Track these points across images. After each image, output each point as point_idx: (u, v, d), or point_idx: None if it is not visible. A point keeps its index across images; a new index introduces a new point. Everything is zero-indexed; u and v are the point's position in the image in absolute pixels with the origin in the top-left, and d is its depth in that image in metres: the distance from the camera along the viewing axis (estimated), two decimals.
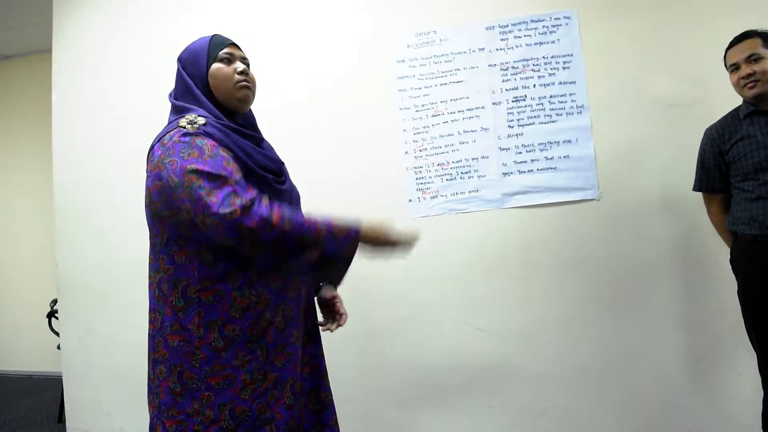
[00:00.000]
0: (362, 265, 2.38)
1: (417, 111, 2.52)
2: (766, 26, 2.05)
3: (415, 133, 2.51)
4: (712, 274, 2.36)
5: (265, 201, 1.25)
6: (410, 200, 2.49)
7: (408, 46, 2.56)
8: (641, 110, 2.45)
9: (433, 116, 2.51)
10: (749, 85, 1.96)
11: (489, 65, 2.52)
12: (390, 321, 2.50)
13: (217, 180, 1.23)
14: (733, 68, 2.02)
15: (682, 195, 2.35)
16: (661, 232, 2.43)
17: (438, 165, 2.49)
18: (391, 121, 2.51)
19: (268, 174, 1.40)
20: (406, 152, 2.50)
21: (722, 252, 2.20)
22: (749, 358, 2.11)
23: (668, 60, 2.46)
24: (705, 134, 2.17)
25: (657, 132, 2.44)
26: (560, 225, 2.44)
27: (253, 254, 1.26)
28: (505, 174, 2.47)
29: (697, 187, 2.21)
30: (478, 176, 2.47)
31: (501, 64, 2.51)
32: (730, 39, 2.06)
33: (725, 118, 2.13)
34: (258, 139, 1.47)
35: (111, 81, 2.86)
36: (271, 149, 1.55)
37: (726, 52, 2.07)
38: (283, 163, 1.53)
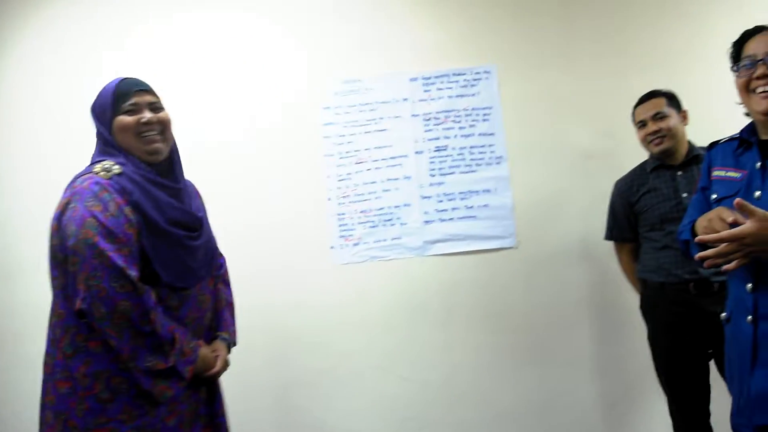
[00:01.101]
0: (280, 313, 2.48)
1: (341, 158, 2.63)
2: (675, 84, 2.29)
3: (338, 180, 2.62)
4: (626, 320, 2.53)
5: (153, 294, 1.31)
6: (332, 247, 2.58)
7: (335, 93, 2.69)
8: (557, 161, 2.65)
9: (356, 163, 2.63)
10: (655, 141, 2.16)
11: (412, 115, 2.67)
12: (310, 371, 2.55)
13: (114, 242, 1.27)
14: (641, 125, 2.22)
15: (595, 243, 2.52)
16: (576, 279, 2.60)
17: (361, 212, 2.60)
18: (314, 167, 2.61)
19: (179, 230, 1.42)
20: (329, 199, 2.60)
21: (634, 298, 2.37)
22: (661, 401, 2.27)
23: (582, 113, 2.68)
24: (615, 186, 2.35)
25: (571, 182, 2.64)
26: (480, 272, 2.58)
27: (108, 331, 1.28)
28: (427, 222, 2.60)
29: (608, 236, 2.38)
30: (401, 224, 2.59)
31: (424, 114, 2.67)
32: (640, 94, 2.27)
33: (633, 171, 2.32)
34: (176, 190, 1.48)
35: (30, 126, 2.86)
36: (193, 195, 1.57)
37: (634, 109, 2.28)
38: (201, 213, 1.55)
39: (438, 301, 2.56)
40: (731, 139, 1.48)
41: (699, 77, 2.48)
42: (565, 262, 2.61)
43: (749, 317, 1.31)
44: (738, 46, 1.41)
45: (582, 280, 2.61)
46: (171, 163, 1.50)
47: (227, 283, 1.71)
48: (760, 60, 1.32)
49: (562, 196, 2.64)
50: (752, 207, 1.17)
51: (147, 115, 1.42)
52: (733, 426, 1.40)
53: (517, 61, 2.70)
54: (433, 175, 2.63)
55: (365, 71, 2.69)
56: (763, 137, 1.38)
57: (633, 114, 2.28)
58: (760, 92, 1.32)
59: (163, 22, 2.65)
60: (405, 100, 2.68)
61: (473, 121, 2.68)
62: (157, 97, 1.49)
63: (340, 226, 2.59)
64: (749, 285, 1.31)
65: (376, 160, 2.64)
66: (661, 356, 2.19)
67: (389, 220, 2.59)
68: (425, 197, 2.62)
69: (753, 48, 1.35)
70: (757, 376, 1.29)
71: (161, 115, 1.47)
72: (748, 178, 1.35)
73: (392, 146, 2.65)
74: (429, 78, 2.69)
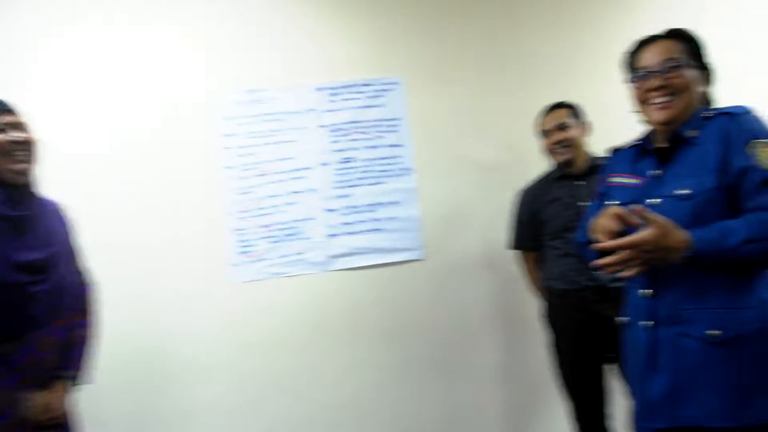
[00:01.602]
0: (174, 336, 2.37)
1: (243, 170, 2.57)
2: (574, 96, 2.36)
3: (239, 194, 2.55)
4: (529, 328, 2.58)
5: None
6: (233, 264, 2.49)
7: (237, 103, 2.62)
8: (462, 173, 2.68)
9: (259, 176, 2.57)
10: (560, 151, 2.23)
11: (318, 126, 2.63)
12: (208, 396, 2.44)
13: None
14: (545, 134, 2.29)
15: (501, 253, 2.55)
16: (482, 289, 2.64)
17: (263, 227, 2.53)
18: (213, 180, 2.53)
19: (23, 276, 1.36)
20: (230, 213, 2.53)
21: (536, 306, 2.43)
22: (563, 407, 2.31)
23: (485, 126, 2.73)
24: (519, 195, 2.41)
25: (477, 193, 2.68)
26: (387, 286, 2.56)
27: None
28: (332, 235, 2.55)
29: (512, 245, 2.43)
30: (304, 238, 2.54)
31: (330, 125, 2.64)
32: (539, 109, 2.32)
33: (538, 180, 2.38)
34: (24, 226, 1.42)
35: None
36: (50, 220, 1.50)
37: (539, 119, 2.34)
38: (52, 249, 1.47)
39: (343, 318, 2.53)
40: (631, 146, 1.51)
41: (597, 90, 2.55)
42: (471, 273, 2.64)
43: (647, 322, 1.34)
44: (632, 57, 1.45)
45: (488, 290, 2.65)
46: (27, 187, 1.47)
47: (86, 313, 1.64)
48: (654, 71, 1.35)
49: (467, 207, 2.67)
50: (649, 214, 1.18)
51: (15, 134, 1.41)
52: (635, 430, 1.42)
53: (425, 74, 2.72)
54: (339, 188, 2.60)
55: (269, 81, 2.64)
56: (660, 145, 1.41)
57: (538, 124, 2.34)
58: (656, 103, 1.36)
59: (52, 32, 2.49)
60: (311, 110, 2.64)
61: (380, 132, 2.67)
62: (21, 117, 1.47)
63: (241, 241, 2.52)
64: (647, 291, 1.34)
65: (279, 173, 2.58)
66: (563, 363, 2.23)
67: (292, 234, 2.54)
68: (330, 210, 2.58)
69: (647, 59, 1.38)
70: (656, 381, 1.32)
71: (28, 135, 1.45)
72: (644, 185, 1.39)
73: (297, 158, 2.60)
74: (335, 88, 2.67)
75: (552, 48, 2.80)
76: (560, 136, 2.22)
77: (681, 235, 1.17)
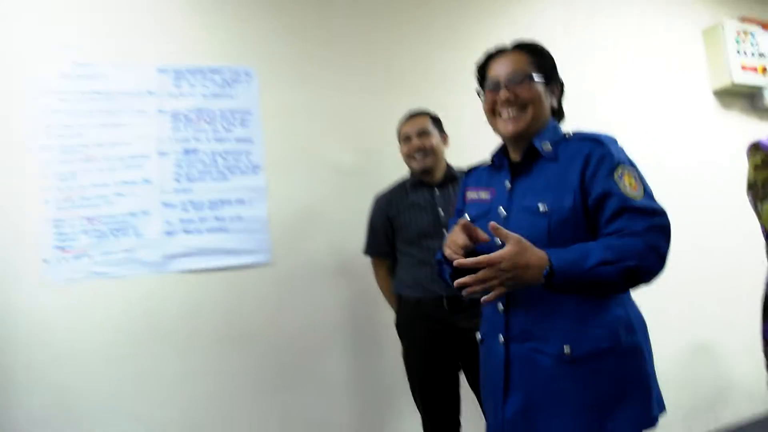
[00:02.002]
0: None
1: (64, 153, 2.25)
2: (435, 104, 2.39)
3: (59, 180, 2.23)
4: (382, 336, 2.56)
5: None
6: (45, 260, 2.17)
7: (62, 75, 2.30)
8: (315, 173, 2.60)
9: (84, 161, 2.27)
10: (419, 157, 2.23)
11: (158, 111, 2.40)
12: (20, 417, 2.08)
13: None
14: (405, 140, 2.28)
15: (353, 259, 2.51)
16: (332, 296, 2.57)
17: (86, 219, 2.24)
18: (25, 163, 2.18)
19: None
20: (47, 201, 2.20)
21: (390, 314, 2.40)
22: (415, 418, 2.30)
23: (343, 127, 2.68)
24: (375, 201, 2.38)
25: (331, 196, 2.61)
26: (229, 291, 2.39)
27: None
28: (169, 233, 2.34)
29: (367, 251, 2.40)
30: (136, 235, 2.29)
31: (172, 111, 2.42)
32: (401, 114, 2.32)
33: (394, 187, 2.37)
34: None
35: None
36: None
37: (400, 125, 2.34)
38: None
39: (178, 325, 2.30)
40: (484, 163, 1.54)
41: (456, 100, 2.61)
42: (321, 279, 2.56)
43: (501, 338, 1.35)
44: (482, 69, 1.47)
45: (338, 297, 2.58)
46: None
47: None
48: (503, 83, 1.38)
49: (319, 210, 2.60)
50: (506, 231, 1.17)
51: None
52: None
53: (282, 67, 2.62)
54: (179, 181, 2.39)
55: (102, 55, 2.35)
56: (513, 157, 1.44)
57: (398, 130, 2.34)
58: (505, 117, 1.38)
59: None
60: (150, 93, 2.40)
61: (229, 124, 2.50)
62: None
63: (57, 234, 2.19)
64: (500, 305, 1.35)
65: (109, 159, 2.31)
66: (416, 373, 2.23)
67: (121, 229, 2.28)
68: (168, 205, 2.36)
69: (495, 71, 1.41)
70: (510, 398, 1.33)
71: None
72: (497, 198, 1.40)
73: (131, 144, 2.34)
74: (181, 71, 2.45)
75: (417, 54, 2.84)
76: (420, 143, 2.23)
77: (538, 253, 1.17)
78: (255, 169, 2.51)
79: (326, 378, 2.50)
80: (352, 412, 2.54)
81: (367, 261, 2.45)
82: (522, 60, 1.39)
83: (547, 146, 1.36)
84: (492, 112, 1.42)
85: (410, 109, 2.37)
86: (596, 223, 1.27)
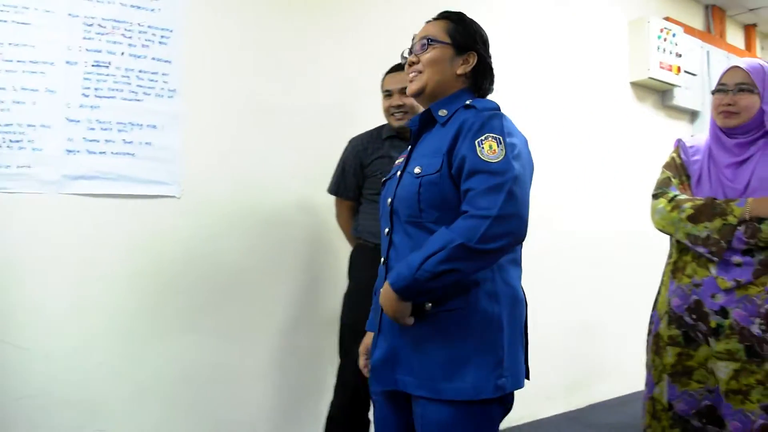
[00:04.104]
0: None
1: None
2: (383, 52, 2.41)
3: None
4: (289, 281, 2.68)
5: None
6: None
7: None
8: (236, 107, 2.61)
9: None
10: (397, 116, 2.33)
11: (69, 14, 2.29)
12: None
13: None
14: (387, 94, 2.36)
15: (264, 199, 2.58)
16: (241, 237, 2.60)
17: None
18: None
19: None
20: None
21: (298, 257, 2.49)
22: (323, 365, 2.47)
23: (279, 61, 2.69)
24: (350, 143, 2.50)
25: (249, 132, 2.63)
26: (132, 221, 2.37)
27: None
28: (70, 151, 2.27)
29: (333, 190, 2.53)
30: (33, 149, 2.20)
31: (85, 17, 2.32)
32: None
33: (370, 133, 2.49)
34: None
35: None
36: None
37: (384, 77, 2.39)
38: None
39: (75, 252, 2.24)
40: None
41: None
42: (231, 219, 2.58)
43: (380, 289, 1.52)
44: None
45: (247, 238, 2.62)
46: None
47: None
48: (412, 49, 1.58)
49: (236, 146, 2.60)
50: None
51: None
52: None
53: None
54: (87, 96, 2.31)
55: None
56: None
57: (382, 80, 2.40)
58: (409, 78, 1.58)
59: None
60: None
61: (147, 41, 2.44)
62: None
63: None
64: (383, 258, 1.57)
65: (9, 61, 2.19)
66: (352, 313, 2.35)
67: (18, 141, 2.18)
68: (72, 120, 2.28)
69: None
70: (379, 344, 1.51)
71: None
72: (403, 162, 1.58)
73: (35, 47, 2.23)
74: None
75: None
76: (401, 100, 2.31)
77: (386, 285, 1.40)
78: (171, 93, 2.48)
79: (230, 322, 2.55)
80: (260, 357, 2.63)
81: (279, 202, 2.56)
82: (436, 26, 1.55)
83: (443, 112, 1.51)
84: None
85: (398, 61, 2.42)
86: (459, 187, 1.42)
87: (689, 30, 4.54)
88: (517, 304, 1.47)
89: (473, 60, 1.55)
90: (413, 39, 1.61)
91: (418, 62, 1.54)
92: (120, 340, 2.33)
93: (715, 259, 1.93)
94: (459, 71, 1.54)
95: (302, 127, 2.46)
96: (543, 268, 3.40)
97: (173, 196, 2.45)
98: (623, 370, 3.86)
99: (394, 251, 1.51)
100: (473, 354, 1.38)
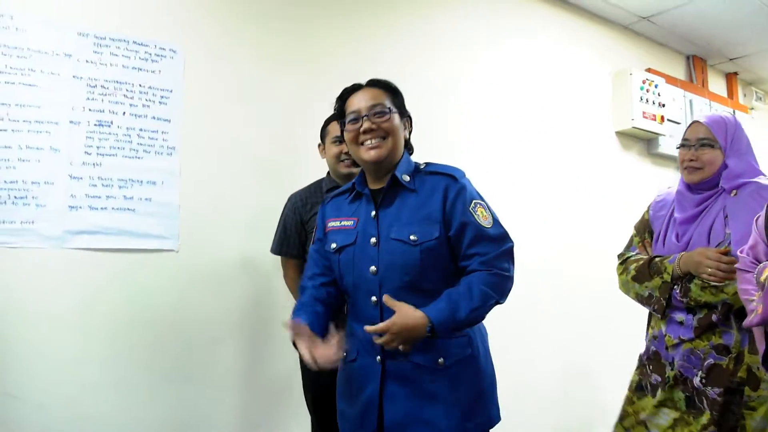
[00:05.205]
0: None
1: None
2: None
3: None
4: (279, 337, 2.72)
5: None
6: None
7: None
8: (233, 164, 2.75)
9: None
10: (347, 162, 2.35)
11: (74, 76, 2.46)
12: None
13: None
14: (337, 140, 2.37)
15: (261, 255, 2.67)
16: (236, 291, 2.72)
17: None
18: None
19: None
20: None
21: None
22: (305, 419, 2.50)
23: (270, 117, 2.85)
24: (289, 200, 2.53)
25: (248, 187, 2.77)
26: (131, 275, 2.48)
27: None
28: (73, 207, 2.40)
29: (276, 250, 2.54)
30: (37, 205, 2.33)
31: (89, 79, 2.48)
32: (333, 108, 2.48)
33: (309, 188, 2.53)
34: None
35: None
36: None
37: (327, 123, 2.46)
38: None
39: (75, 305, 2.36)
40: (341, 192, 1.83)
41: None
42: (227, 272, 2.69)
43: (378, 358, 1.65)
44: (342, 102, 1.74)
45: (242, 293, 2.73)
46: None
47: None
48: (364, 116, 1.64)
49: (234, 201, 2.73)
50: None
51: None
52: None
53: (209, 48, 2.74)
54: (89, 153, 2.46)
55: (19, 6, 2.37)
56: (373, 187, 1.73)
57: (325, 129, 2.47)
58: (368, 145, 1.64)
59: None
60: (68, 56, 2.45)
61: (148, 101, 2.60)
62: None
63: None
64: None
65: (15, 120, 2.34)
66: (310, 374, 2.33)
67: (22, 197, 2.31)
68: (75, 177, 2.42)
69: (356, 104, 1.67)
70: (388, 409, 1.63)
71: None
72: (363, 226, 1.69)
73: (41, 107, 2.38)
74: (104, 38, 2.52)
75: (357, 49, 3.06)
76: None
77: (418, 315, 1.51)
78: (170, 150, 2.62)
79: (222, 373, 2.64)
80: (244, 408, 2.71)
81: (275, 260, 2.62)
82: (379, 95, 1.68)
83: (405, 177, 1.66)
84: (353, 142, 1.68)
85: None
86: (457, 248, 1.62)
87: (671, 80, 4.77)
88: (487, 339, 1.76)
89: (410, 125, 1.75)
90: (342, 102, 1.73)
91: (377, 128, 1.63)
92: (117, 390, 2.42)
93: (659, 316, 2.04)
94: (406, 135, 1.73)
95: (300, 181, 2.57)
96: (536, 313, 3.52)
97: (172, 250, 2.57)
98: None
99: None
100: (485, 389, 1.67)
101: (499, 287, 1.59)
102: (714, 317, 1.91)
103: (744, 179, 2.00)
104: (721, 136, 2.02)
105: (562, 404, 3.80)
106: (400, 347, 1.50)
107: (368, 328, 1.52)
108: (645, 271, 2.05)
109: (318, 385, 2.37)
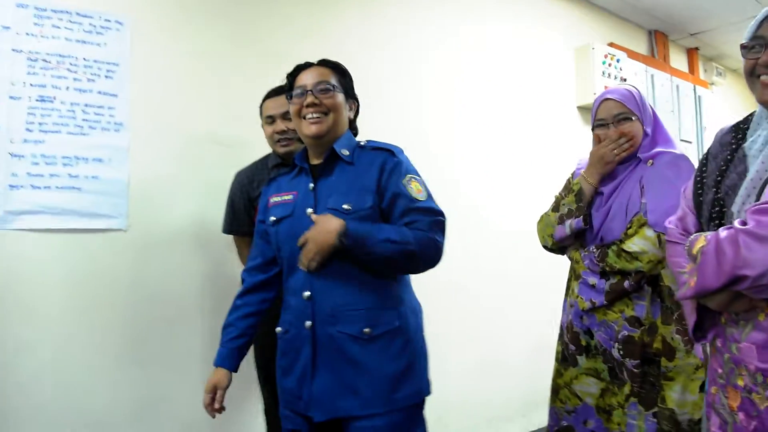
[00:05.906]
0: None
1: None
2: None
3: None
4: None
5: None
6: None
7: None
8: (185, 139, 2.70)
9: None
10: (283, 142, 2.36)
11: (13, 50, 2.38)
12: None
13: None
14: (270, 120, 2.39)
15: (212, 233, 2.65)
16: (190, 269, 2.69)
17: None
18: None
19: None
20: None
21: None
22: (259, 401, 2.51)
23: (222, 94, 2.80)
24: (235, 178, 2.51)
25: (199, 165, 2.73)
26: (78, 256, 2.43)
27: None
28: (13, 187, 2.33)
29: (227, 229, 2.54)
30: None
31: (30, 52, 2.40)
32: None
33: (255, 164, 2.51)
34: None
35: None
36: None
37: (263, 102, 2.45)
38: None
39: (21, 288, 2.30)
40: (283, 174, 1.89)
41: None
42: (180, 251, 2.66)
43: (308, 323, 1.69)
44: (292, 78, 1.81)
45: (196, 270, 2.70)
46: None
47: None
48: (309, 90, 1.71)
49: (184, 179, 2.69)
50: (317, 216, 1.63)
51: None
52: (286, 429, 1.82)
53: (158, 20, 2.67)
54: (31, 131, 2.39)
55: None
56: (314, 162, 1.79)
57: (261, 106, 2.45)
58: (308, 119, 1.72)
59: None
60: (6, 28, 2.37)
61: (93, 75, 2.53)
62: None
63: None
64: (306, 293, 1.69)
65: None
66: (263, 349, 2.37)
67: None
68: (16, 155, 2.35)
69: (303, 79, 1.75)
70: (318, 377, 1.67)
71: None
72: (301, 198, 1.75)
73: None
74: (45, 10, 2.44)
75: (302, 27, 3.01)
76: (286, 125, 2.33)
77: (337, 220, 1.59)
78: (118, 126, 2.56)
79: (180, 354, 2.62)
80: (202, 388, 2.69)
81: (228, 237, 2.60)
82: (327, 73, 1.76)
83: (345, 152, 1.73)
84: (297, 116, 1.74)
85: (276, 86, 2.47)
86: (389, 219, 1.68)
87: (633, 55, 4.81)
88: (421, 314, 1.80)
89: (355, 107, 1.85)
90: (293, 78, 1.79)
91: (319, 104, 1.71)
92: (70, 374, 2.38)
93: (584, 225, 2.07)
94: (349, 116, 1.82)
95: (252, 156, 2.55)
96: (506, 291, 3.56)
97: (120, 229, 2.52)
98: None
99: (322, 286, 1.67)
100: (414, 363, 1.69)
101: (424, 245, 1.63)
102: (626, 284, 1.95)
103: (659, 148, 2.05)
104: (634, 108, 2.07)
105: (530, 379, 3.86)
106: (316, 256, 1.58)
107: (300, 241, 1.62)
108: (558, 199, 2.20)
109: (269, 362, 2.36)
